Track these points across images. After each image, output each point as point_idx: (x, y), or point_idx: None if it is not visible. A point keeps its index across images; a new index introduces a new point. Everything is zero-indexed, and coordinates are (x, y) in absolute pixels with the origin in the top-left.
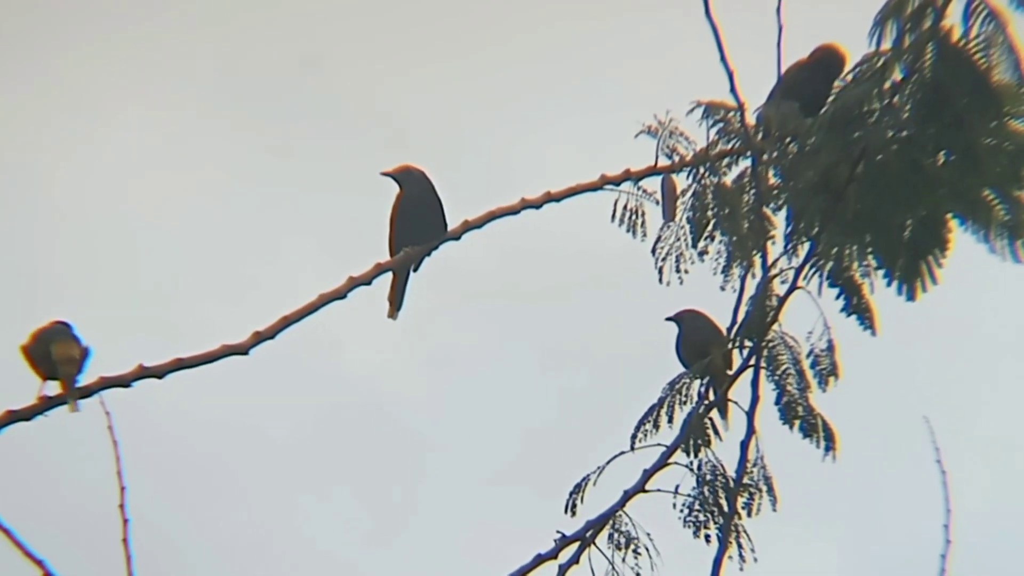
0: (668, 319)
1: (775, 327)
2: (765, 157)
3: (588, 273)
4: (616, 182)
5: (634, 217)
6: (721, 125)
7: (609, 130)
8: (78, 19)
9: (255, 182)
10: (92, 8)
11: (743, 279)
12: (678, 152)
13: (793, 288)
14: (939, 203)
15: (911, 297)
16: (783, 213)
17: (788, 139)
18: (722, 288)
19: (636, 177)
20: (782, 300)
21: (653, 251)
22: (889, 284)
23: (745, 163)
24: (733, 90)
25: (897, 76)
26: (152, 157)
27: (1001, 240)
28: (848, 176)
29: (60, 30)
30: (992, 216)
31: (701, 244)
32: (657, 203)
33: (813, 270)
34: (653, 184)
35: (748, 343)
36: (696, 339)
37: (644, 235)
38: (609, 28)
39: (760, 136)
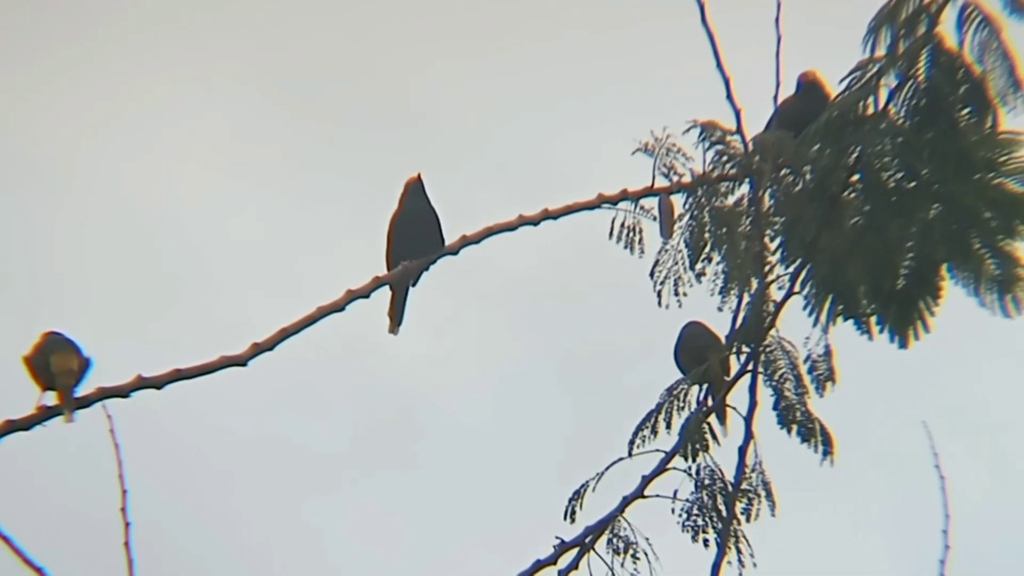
0: None
1: (772, 332)
2: (763, 182)
3: (586, 278)
4: (613, 201)
5: (632, 234)
6: (719, 147)
7: (616, 135)
8: (129, 10)
9: (271, 180)
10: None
11: (741, 289)
12: (676, 170)
13: (790, 294)
14: (931, 248)
15: (903, 345)
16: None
17: (784, 167)
18: (719, 309)
19: (633, 197)
20: (779, 305)
21: (651, 275)
22: (882, 331)
23: (744, 188)
24: (729, 97)
25: (892, 83)
26: (164, 156)
27: (991, 294)
28: (843, 183)
29: (107, 22)
30: (983, 270)
31: (699, 266)
32: (655, 219)
33: (809, 276)
34: (651, 201)
35: (745, 348)
36: (694, 345)
37: (642, 252)
38: (614, 35)
39: (757, 159)
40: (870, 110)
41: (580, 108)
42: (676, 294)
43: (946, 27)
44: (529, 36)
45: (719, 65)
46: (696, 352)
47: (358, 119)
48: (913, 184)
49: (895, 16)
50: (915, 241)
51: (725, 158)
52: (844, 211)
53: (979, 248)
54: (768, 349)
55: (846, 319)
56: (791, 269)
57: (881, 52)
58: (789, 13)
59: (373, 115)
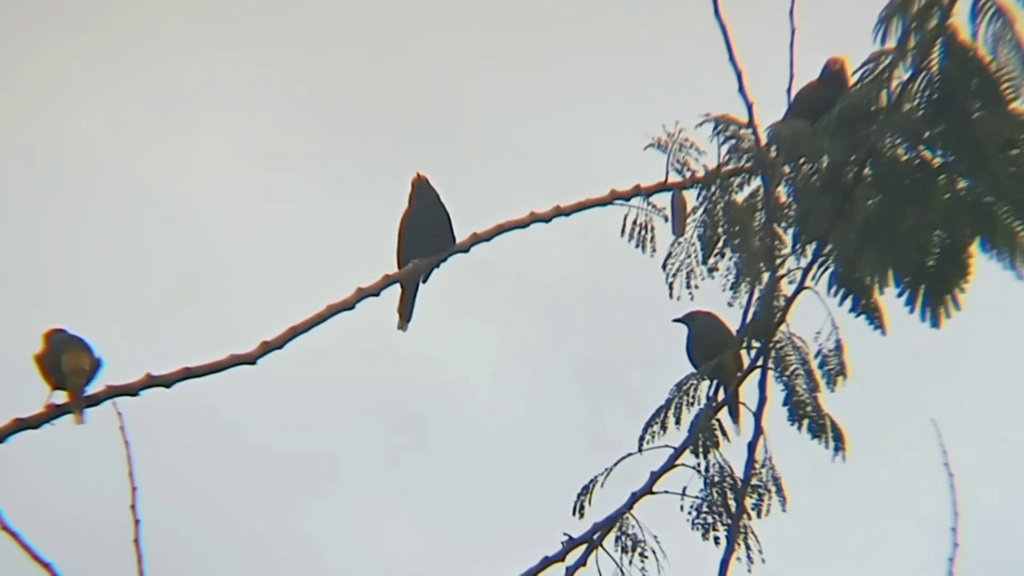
0: (677, 320)
1: (783, 327)
2: (776, 175)
3: (598, 276)
4: (626, 197)
5: (644, 232)
6: (733, 142)
7: (632, 135)
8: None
9: (289, 179)
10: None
11: (753, 284)
12: (688, 166)
13: (801, 288)
14: (961, 225)
15: (935, 324)
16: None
17: (801, 159)
18: (730, 304)
19: (646, 192)
20: (790, 300)
21: (664, 267)
22: (911, 311)
23: (757, 181)
24: (742, 90)
25: (904, 75)
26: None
27: None
28: (855, 175)
29: (130, 13)
30: (1016, 242)
31: (711, 261)
32: (667, 219)
33: (821, 270)
34: (663, 199)
35: (756, 344)
36: (708, 340)
37: (654, 250)
38: (629, 34)
39: (772, 154)
40: (883, 102)
41: (596, 108)
42: (688, 287)
43: (959, 18)
44: (546, 36)
45: (732, 58)
46: (711, 346)
47: (376, 118)
48: (925, 176)
49: (907, 7)
50: (943, 221)
51: (739, 152)
52: (856, 204)
53: (1012, 221)
54: (779, 344)
55: (858, 314)
56: (803, 264)
57: (891, 43)
58: (804, 6)
59: (392, 114)
